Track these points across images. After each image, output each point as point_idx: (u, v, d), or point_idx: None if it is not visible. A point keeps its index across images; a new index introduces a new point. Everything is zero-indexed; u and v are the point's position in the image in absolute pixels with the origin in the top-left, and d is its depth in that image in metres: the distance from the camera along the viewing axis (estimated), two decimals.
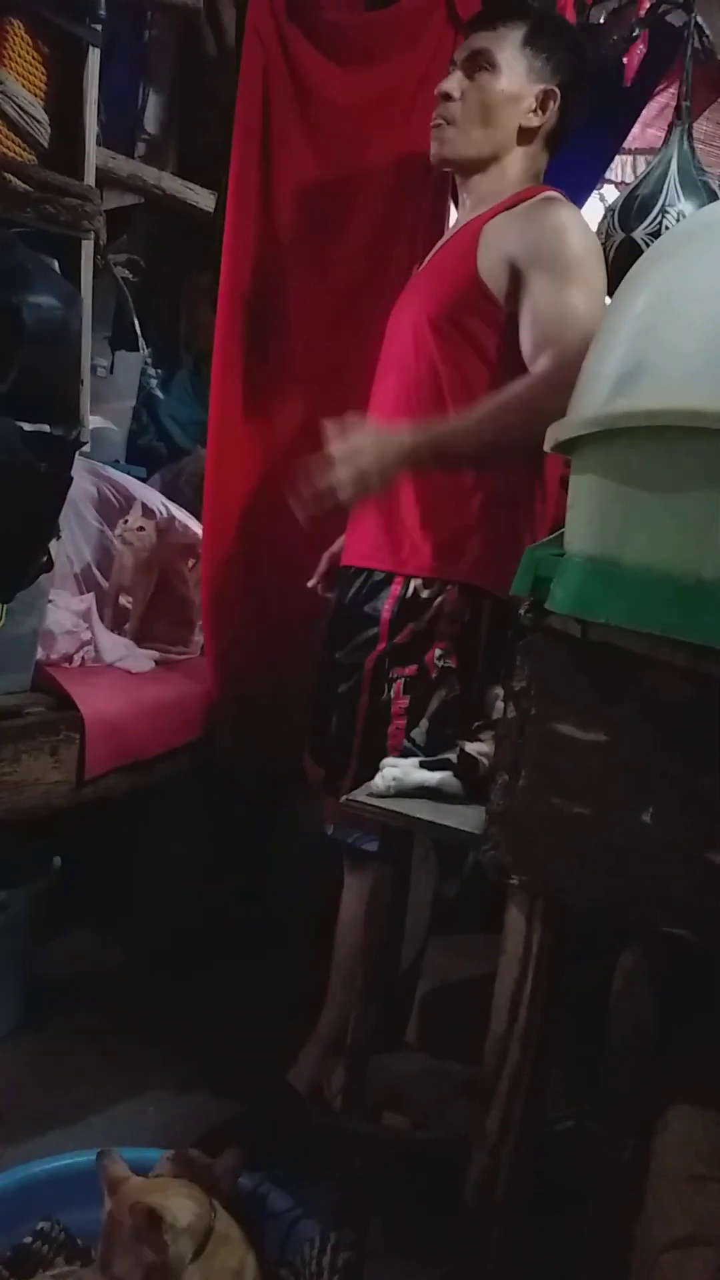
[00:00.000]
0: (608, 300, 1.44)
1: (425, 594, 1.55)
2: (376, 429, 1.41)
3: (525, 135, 1.57)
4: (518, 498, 1.55)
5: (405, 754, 1.39)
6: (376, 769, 1.43)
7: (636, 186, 1.60)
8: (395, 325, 1.65)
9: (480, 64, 1.56)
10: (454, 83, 1.57)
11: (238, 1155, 1.22)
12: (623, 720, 0.91)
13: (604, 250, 1.67)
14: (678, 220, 1.58)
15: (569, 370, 1.21)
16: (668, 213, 1.60)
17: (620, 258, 1.66)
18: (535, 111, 1.56)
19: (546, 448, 0.90)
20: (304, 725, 1.75)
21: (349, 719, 1.60)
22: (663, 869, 0.90)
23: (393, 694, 1.55)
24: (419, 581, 1.55)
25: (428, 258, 1.70)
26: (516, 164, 1.59)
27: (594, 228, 1.77)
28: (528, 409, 1.35)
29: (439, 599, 1.54)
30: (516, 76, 1.55)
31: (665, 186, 1.60)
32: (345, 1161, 1.27)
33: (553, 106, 1.57)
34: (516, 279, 1.46)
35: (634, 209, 1.64)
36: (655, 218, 1.59)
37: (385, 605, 1.57)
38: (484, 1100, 1.05)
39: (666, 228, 1.58)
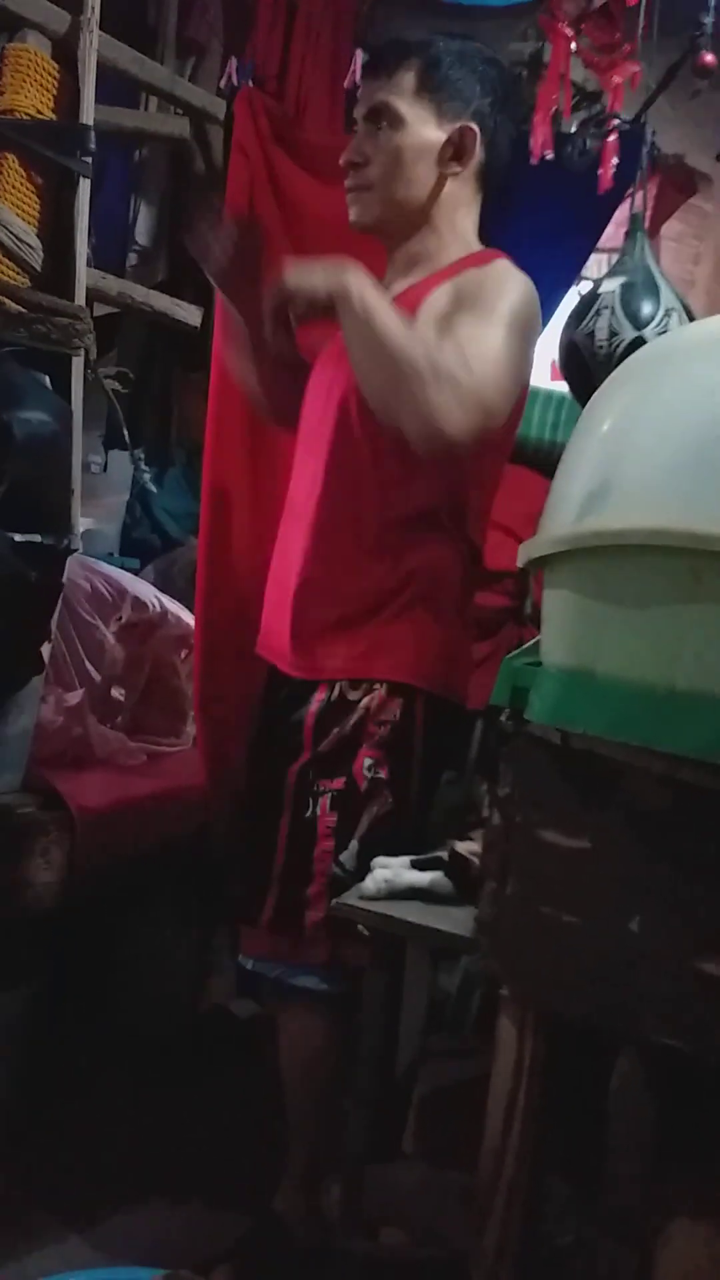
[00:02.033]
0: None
1: (352, 695, 1.43)
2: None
3: (451, 183, 1.45)
4: (443, 589, 1.46)
5: (334, 880, 1.33)
6: (300, 896, 1.40)
7: (597, 288, 1.66)
8: (318, 393, 1.53)
9: (381, 120, 1.43)
10: (358, 147, 1.45)
11: (229, 1274, 1.19)
12: (606, 827, 0.92)
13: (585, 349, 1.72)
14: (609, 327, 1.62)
15: (449, 381, 1.24)
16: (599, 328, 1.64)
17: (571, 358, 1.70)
18: (455, 158, 1.43)
19: (519, 564, 0.93)
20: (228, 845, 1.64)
21: (270, 838, 1.45)
22: (652, 978, 0.90)
23: (318, 811, 1.41)
24: (345, 683, 1.43)
25: None
26: (447, 217, 1.46)
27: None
28: (400, 358, 1.28)
29: (365, 698, 1.42)
30: (425, 125, 1.42)
31: (627, 289, 1.64)
32: None
33: (473, 145, 1.43)
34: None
35: (584, 312, 1.68)
36: (588, 326, 1.64)
37: (310, 710, 1.44)
38: (480, 1218, 1.02)
39: (599, 330, 1.62)
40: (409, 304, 1.42)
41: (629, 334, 1.59)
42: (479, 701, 1.44)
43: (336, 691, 1.43)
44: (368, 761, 1.41)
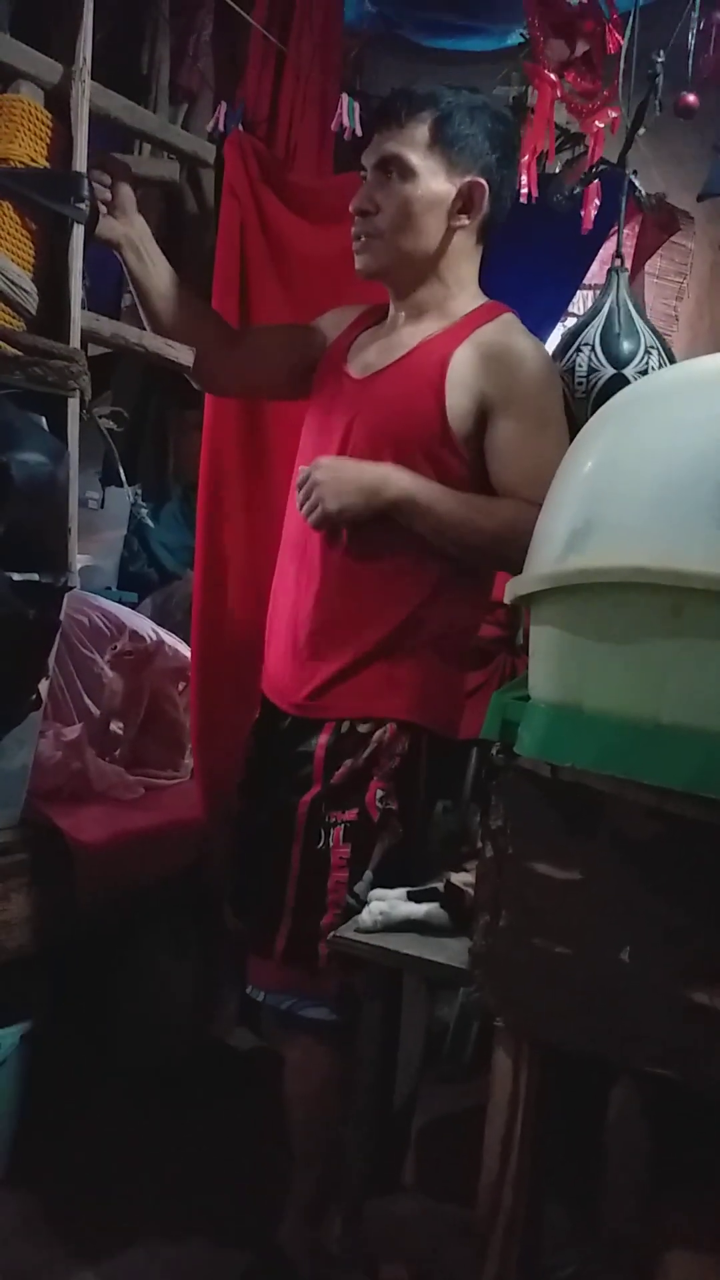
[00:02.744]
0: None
1: (362, 729, 1.45)
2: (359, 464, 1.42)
3: (457, 235, 1.48)
4: (454, 632, 1.50)
5: (347, 910, 1.34)
6: (313, 928, 1.41)
7: (582, 327, 1.69)
8: (320, 433, 1.55)
9: (392, 171, 1.44)
10: (368, 195, 1.47)
11: None
12: (596, 859, 0.93)
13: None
14: (588, 363, 1.66)
15: (529, 522, 1.25)
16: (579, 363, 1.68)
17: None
18: (463, 212, 1.46)
19: (507, 600, 0.95)
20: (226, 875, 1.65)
21: (282, 870, 1.46)
22: (644, 1008, 0.91)
23: (331, 842, 1.43)
24: (358, 718, 1.46)
25: (360, 366, 1.55)
26: (453, 268, 1.50)
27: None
28: (496, 537, 1.38)
29: (377, 732, 1.44)
30: (436, 177, 1.44)
31: (607, 328, 1.67)
32: None
33: (481, 199, 1.46)
34: (483, 421, 1.43)
35: (566, 350, 1.72)
36: (568, 362, 1.67)
37: (319, 741, 1.46)
38: (479, 1250, 1.03)
39: (579, 366, 1.66)
40: (433, 359, 1.45)
41: (608, 372, 1.62)
42: (472, 731, 1.46)
43: (346, 725, 1.46)
44: (379, 793, 1.42)
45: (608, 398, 1.04)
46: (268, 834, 1.50)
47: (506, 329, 1.48)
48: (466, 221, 1.47)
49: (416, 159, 1.43)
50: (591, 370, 1.63)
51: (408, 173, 1.44)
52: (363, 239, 1.49)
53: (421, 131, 1.44)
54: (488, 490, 1.46)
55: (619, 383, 1.59)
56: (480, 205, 1.47)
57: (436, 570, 1.46)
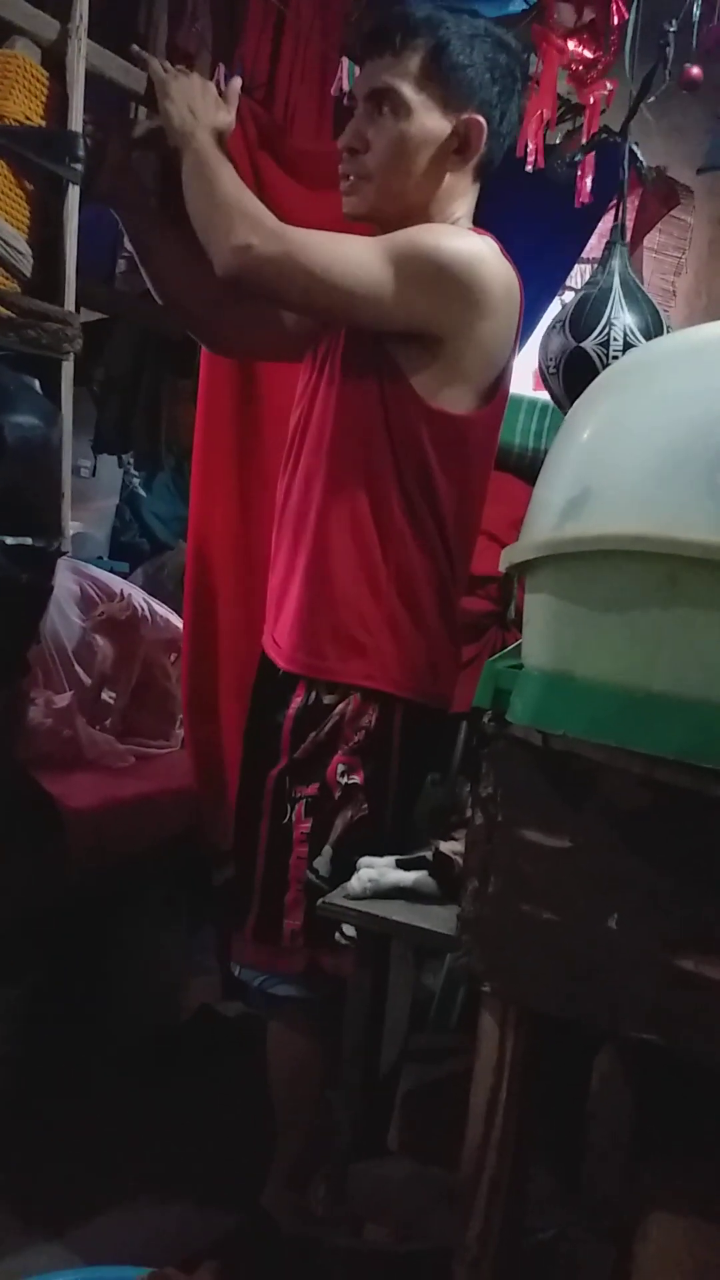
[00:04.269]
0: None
1: (328, 699, 1.41)
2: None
3: (450, 176, 1.39)
4: (423, 598, 1.45)
5: (309, 887, 1.34)
6: (278, 904, 1.41)
7: (583, 299, 1.69)
8: (303, 397, 1.54)
9: (384, 105, 1.36)
10: (358, 131, 1.39)
11: (215, 1271, 1.20)
12: (586, 827, 0.94)
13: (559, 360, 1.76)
14: (624, 333, 1.65)
15: (265, 243, 1.32)
16: (614, 325, 1.68)
17: (569, 366, 1.74)
18: (459, 151, 1.38)
19: (502, 568, 0.95)
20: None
21: (253, 845, 1.46)
22: (630, 974, 0.92)
23: (293, 817, 1.41)
24: (322, 686, 1.42)
25: None
26: (443, 210, 1.42)
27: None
28: (223, 203, 1.37)
29: (341, 704, 1.41)
30: (430, 113, 1.35)
31: (610, 300, 1.67)
32: (327, 1277, 1.24)
33: (479, 138, 1.37)
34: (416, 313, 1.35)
35: (582, 321, 1.71)
36: (604, 330, 1.67)
37: (288, 714, 1.43)
38: (463, 1212, 1.04)
39: (614, 339, 1.66)
40: None
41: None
42: (463, 705, 1.46)
43: (313, 696, 1.43)
44: (341, 767, 1.40)
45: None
46: (243, 807, 1.51)
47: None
48: (463, 164, 1.40)
49: (410, 92, 1.34)
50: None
51: (401, 108, 1.34)
52: (351, 179, 1.42)
53: (415, 61, 1.34)
54: (426, 384, 1.39)
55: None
56: (477, 145, 1.38)
57: (409, 538, 1.44)
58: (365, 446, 1.42)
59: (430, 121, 1.36)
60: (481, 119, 1.38)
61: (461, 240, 1.38)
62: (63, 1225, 1.60)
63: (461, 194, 1.44)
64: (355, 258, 1.34)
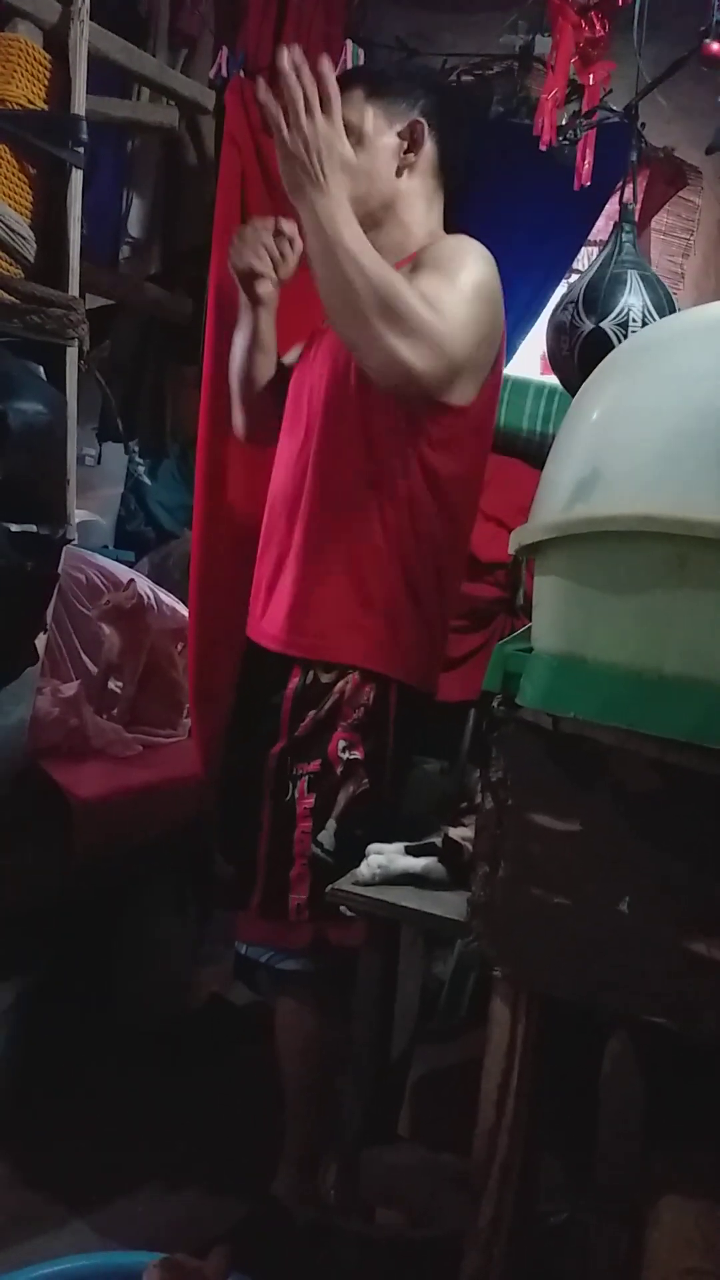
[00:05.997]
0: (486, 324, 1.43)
1: (325, 678, 1.45)
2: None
3: (409, 177, 1.52)
4: (421, 579, 1.48)
5: (314, 861, 1.36)
6: (284, 880, 1.43)
7: (593, 279, 1.67)
8: (305, 379, 1.57)
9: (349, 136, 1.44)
10: None
11: (226, 1255, 1.20)
12: (596, 810, 0.93)
13: (573, 340, 1.74)
14: (642, 315, 1.64)
15: (410, 319, 1.30)
16: (633, 305, 1.66)
17: (587, 348, 1.72)
18: (408, 152, 1.51)
19: (511, 551, 0.94)
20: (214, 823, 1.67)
21: (256, 823, 1.48)
22: (641, 958, 0.91)
23: (296, 794, 1.44)
24: (319, 666, 1.46)
25: None
26: (409, 209, 1.53)
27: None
28: (375, 287, 1.32)
29: (340, 683, 1.45)
30: (380, 131, 1.50)
31: (628, 281, 1.65)
32: (339, 1263, 1.24)
33: (422, 135, 1.51)
34: None
35: (598, 301, 1.70)
36: (622, 311, 1.66)
37: (286, 693, 1.47)
38: (475, 1196, 1.04)
39: (634, 320, 1.64)
40: None
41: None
42: (471, 692, 1.45)
43: (310, 676, 1.46)
44: (342, 743, 1.44)
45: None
46: (244, 787, 1.52)
47: (451, 238, 1.50)
48: (413, 158, 1.51)
49: (355, 116, 1.47)
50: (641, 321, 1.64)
51: (355, 135, 1.45)
52: None
53: (357, 93, 1.49)
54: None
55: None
56: (423, 141, 1.51)
57: (413, 521, 1.45)
58: (362, 430, 1.44)
59: (380, 138, 1.50)
60: (422, 120, 1.51)
61: (487, 262, 1.46)
62: (74, 1211, 1.61)
63: (425, 196, 1.55)
64: (465, 316, 1.39)
